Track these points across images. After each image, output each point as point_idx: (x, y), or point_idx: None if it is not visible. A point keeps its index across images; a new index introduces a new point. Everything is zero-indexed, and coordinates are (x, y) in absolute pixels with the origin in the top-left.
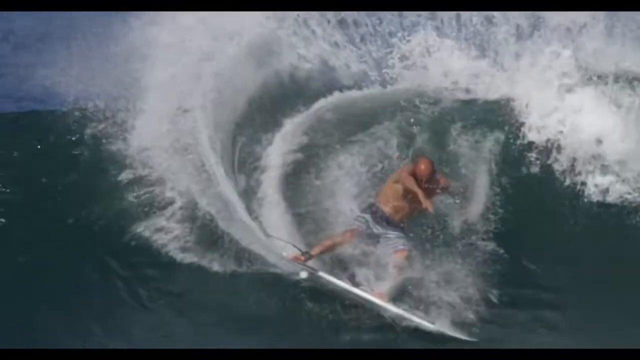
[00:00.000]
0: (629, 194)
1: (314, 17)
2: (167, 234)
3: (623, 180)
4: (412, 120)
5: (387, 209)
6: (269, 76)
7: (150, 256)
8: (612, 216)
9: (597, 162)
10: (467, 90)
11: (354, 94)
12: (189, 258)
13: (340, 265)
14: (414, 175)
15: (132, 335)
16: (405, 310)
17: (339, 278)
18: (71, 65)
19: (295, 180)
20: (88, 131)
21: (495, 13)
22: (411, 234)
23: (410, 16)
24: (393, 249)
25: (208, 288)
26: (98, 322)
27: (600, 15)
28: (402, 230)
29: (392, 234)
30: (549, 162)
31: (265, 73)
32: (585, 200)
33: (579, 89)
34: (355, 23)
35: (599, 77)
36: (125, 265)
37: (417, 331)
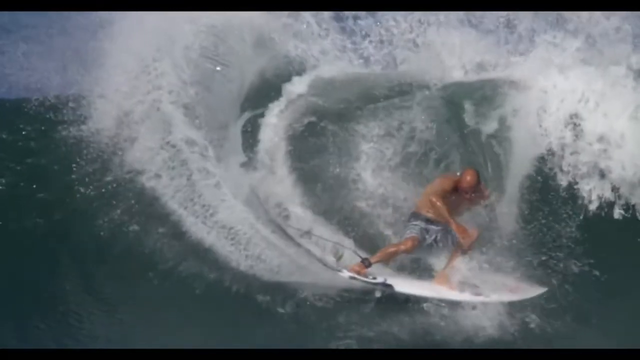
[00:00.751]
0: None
1: None
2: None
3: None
4: (413, 105)
5: (429, 215)
6: (268, 48)
7: (135, 248)
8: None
9: (602, 165)
10: (471, 75)
11: (355, 69)
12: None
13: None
14: (458, 185)
15: (125, 334)
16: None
17: (409, 284)
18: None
19: (308, 147)
20: (47, 117)
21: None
22: None
23: None
24: (459, 235)
25: (202, 285)
26: (79, 321)
27: (625, 15)
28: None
29: (446, 227)
30: (551, 161)
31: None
32: (588, 204)
33: (586, 87)
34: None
35: (610, 76)
36: (109, 260)
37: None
